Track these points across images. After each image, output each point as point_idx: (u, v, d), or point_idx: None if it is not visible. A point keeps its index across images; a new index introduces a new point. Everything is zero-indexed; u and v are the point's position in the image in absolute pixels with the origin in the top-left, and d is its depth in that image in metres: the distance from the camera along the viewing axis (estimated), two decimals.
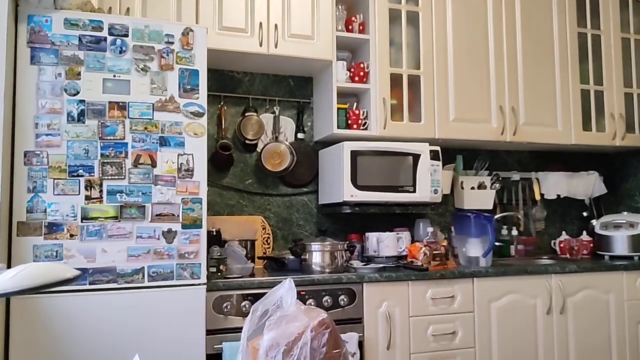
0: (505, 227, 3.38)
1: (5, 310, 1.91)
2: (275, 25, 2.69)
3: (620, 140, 3.32)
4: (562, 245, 3.33)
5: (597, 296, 2.84)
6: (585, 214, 3.58)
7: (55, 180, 1.98)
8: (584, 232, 3.37)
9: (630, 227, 3.11)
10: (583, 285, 2.82)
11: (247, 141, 2.92)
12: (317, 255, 2.55)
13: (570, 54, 3.25)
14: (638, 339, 2.90)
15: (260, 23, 2.66)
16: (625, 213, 3.29)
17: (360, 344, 2.39)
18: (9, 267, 1.87)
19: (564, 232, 3.43)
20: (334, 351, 0.99)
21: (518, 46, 3.14)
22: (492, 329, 2.64)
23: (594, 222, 3.37)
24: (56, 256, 1.96)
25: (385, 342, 2.45)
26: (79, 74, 2.03)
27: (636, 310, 2.90)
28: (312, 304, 2.34)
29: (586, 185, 3.54)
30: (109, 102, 2.06)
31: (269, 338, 0.98)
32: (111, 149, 2.05)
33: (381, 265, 2.70)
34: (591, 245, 3.29)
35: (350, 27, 2.93)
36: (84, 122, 2.03)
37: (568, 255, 3.27)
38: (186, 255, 2.12)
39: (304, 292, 2.33)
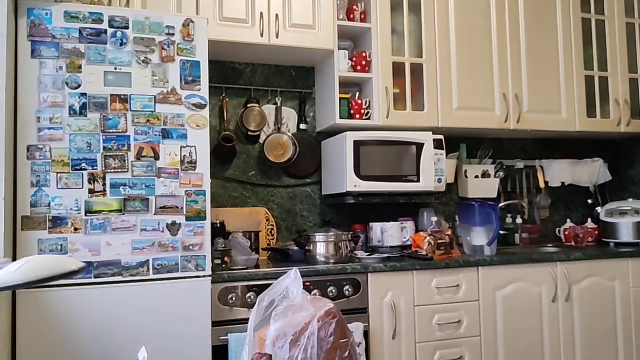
0: (509, 215, 3.37)
1: (11, 304, 1.92)
2: (276, 15, 2.67)
3: (625, 126, 3.30)
4: (566, 232, 3.32)
5: (602, 283, 2.84)
6: (590, 201, 3.57)
7: (59, 174, 1.98)
8: (589, 220, 3.36)
9: (635, 214, 3.09)
10: (588, 272, 2.82)
11: (249, 132, 2.91)
12: (321, 245, 2.55)
13: (574, 40, 3.22)
14: None
15: (261, 13, 2.64)
16: (630, 200, 3.27)
17: (366, 334, 2.39)
18: (14, 261, 1.87)
19: (568, 220, 3.42)
20: (341, 340, 0.98)
21: (521, 33, 3.12)
22: (497, 317, 2.64)
23: (598, 209, 3.36)
24: (61, 250, 1.96)
25: (391, 331, 2.46)
26: (80, 66, 2.02)
27: None
28: (317, 294, 2.34)
29: (591, 172, 3.52)
30: (111, 95, 2.05)
31: (275, 328, 0.98)
32: (113, 142, 2.05)
33: (385, 255, 2.70)
34: (596, 232, 3.28)
35: (351, 15, 2.90)
36: (85, 115, 2.02)
37: (573, 243, 3.26)
38: (190, 247, 2.12)
39: (308, 283, 2.33)
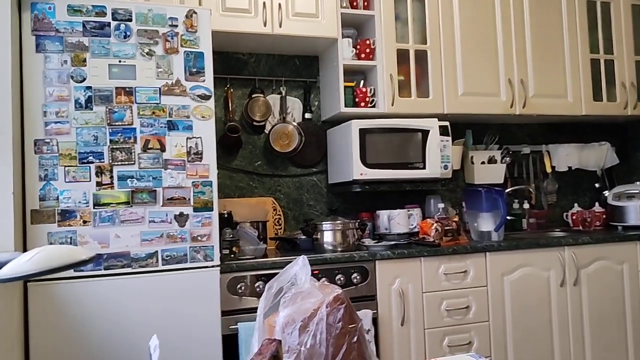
0: (516, 200, 3.37)
1: (23, 296, 1.94)
2: (279, 4, 2.66)
3: (632, 109, 3.27)
4: (574, 217, 3.32)
5: (610, 267, 2.83)
6: (597, 185, 3.55)
7: (66, 168, 1.99)
8: (597, 204, 3.34)
9: None
10: (596, 256, 2.81)
11: (254, 123, 2.91)
12: (329, 234, 2.56)
13: (579, 23, 3.19)
14: None
15: (264, 3, 2.63)
16: (638, 183, 3.25)
17: (375, 321, 2.40)
18: None
19: (576, 204, 3.41)
20: (350, 326, 0.99)
21: (526, 17, 3.09)
22: (505, 302, 2.65)
23: (606, 193, 3.35)
24: (70, 242, 1.98)
25: (399, 318, 2.47)
26: (85, 60, 2.03)
27: None
28: (326, 282, 2.35)
29: (598, 156, 3.51)
30: (116, 88, 2.06)
31: (284, 315, 0.99)
32: (120, 134, 2.06)
33: (393, 242, 2.70)
34: (604, 216, 3.27)
35: (354, 3, 2.89)
36: (91, 109, 2.03)
37: (581, 227, 3.25)
38: (199, 238, 2.14)
39: (317, 271, 2.35)
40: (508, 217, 3.06)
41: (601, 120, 3.47)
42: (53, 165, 1.98)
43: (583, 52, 3.19)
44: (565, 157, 3.47)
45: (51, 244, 1.96)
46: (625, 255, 2.86)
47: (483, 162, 3.23)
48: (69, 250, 0.83)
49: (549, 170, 3.48)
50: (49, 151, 1.98)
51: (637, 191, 3.12)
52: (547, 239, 2.83)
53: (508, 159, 3.30)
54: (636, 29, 3.33)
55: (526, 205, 3.35)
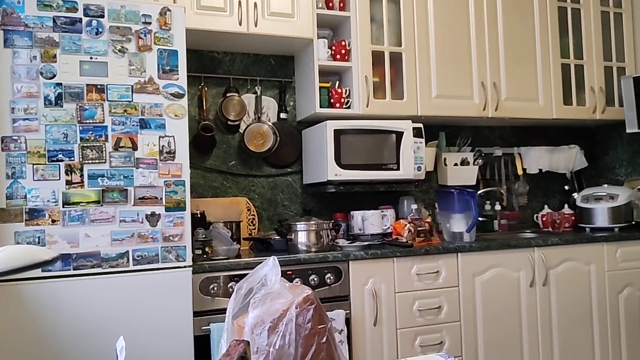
0: (488, 202, 3.42)
1: None
2: (255, 3, 2.65)
3: (601, 113, 3.35)
4: (544, 218, 3.38)
5: (578, 268, 2.90)
6: (566, 187, 3.63)
7: (35, 166, 1.95)
8: (566, 206, 3.41)
9: (610, 200, 3.16)
10: (565, 257, 2.87)
11: (229, 122, 2.89)
12: (303, 234, 2.56)
13: (550, 29, 3.26)
14: (618, 309, 2.96)
15: (239, 2, 2.62)
16: (605, 185, 3.34)
17: (347, 321, 2.41)
18: None
19: (546, 206, 3.47)
20: (319, 326, 1.00)
21: (499, 21, 3.14)
22: (476, 302, 2.69)
23: (575, 195, 3.42)
24: (38, 242, 1.95)
25: (372, 318, 2.48)
26: (55, 56, 1.99)
27: (616, 280, 2.96)
28: (299, 283, 2.35)
29: (567, 159, 3.58)
30: (87, 85, 2.03)
31: (254, 316, 0.98)
32: (91, 132, 2.02)
33: (367, 243, 2.72)
34: (573, 218, 3.34)
35: (330, 4, 2.89)
36: (61, 106, 1.99)
37: (550, 229, 3.31)
38: (171, 238, 2.12)
39: (290, 272, 2.34)
40: (480, 219, 3.10)
41: (571, 123, 3.54)
42: (21, 163, 1.94)
43: (554, 57, 3.26)
44: (536, 159, 3.53)
45: (18, 243, 1.92)
46: (592, 256, 2.92)
47: (456, 164, 3.27)
48: (31, 250, 0.81)
49: (520, 172, 3.54)
50: (16, 148, 1.94)
51: (605, 194, 3.20)
52: (518, 240, 2.88)
53: (480, 161, 3.35)
54: (605, 34, 3.41)
55: (498, 207, 3.40)
